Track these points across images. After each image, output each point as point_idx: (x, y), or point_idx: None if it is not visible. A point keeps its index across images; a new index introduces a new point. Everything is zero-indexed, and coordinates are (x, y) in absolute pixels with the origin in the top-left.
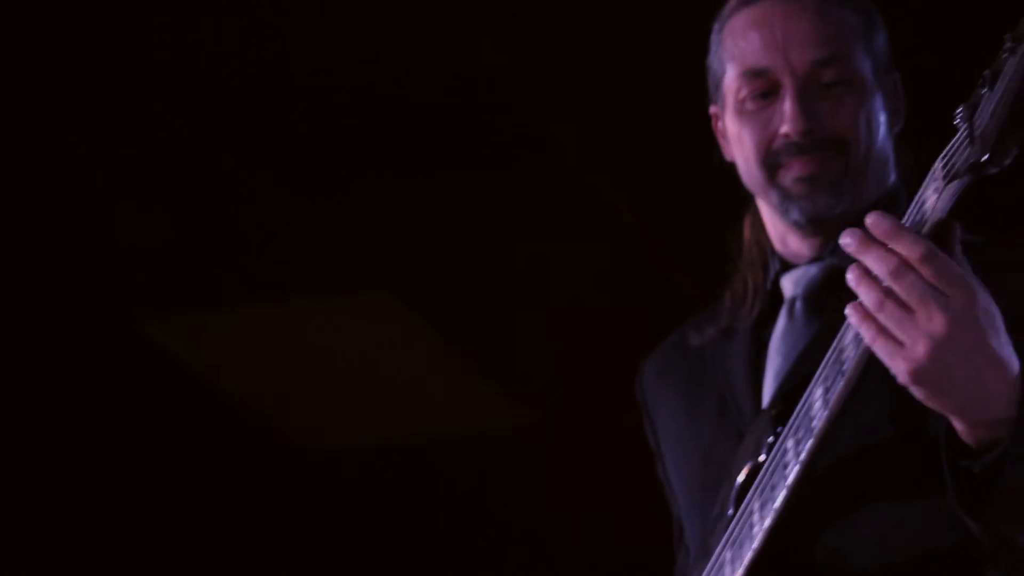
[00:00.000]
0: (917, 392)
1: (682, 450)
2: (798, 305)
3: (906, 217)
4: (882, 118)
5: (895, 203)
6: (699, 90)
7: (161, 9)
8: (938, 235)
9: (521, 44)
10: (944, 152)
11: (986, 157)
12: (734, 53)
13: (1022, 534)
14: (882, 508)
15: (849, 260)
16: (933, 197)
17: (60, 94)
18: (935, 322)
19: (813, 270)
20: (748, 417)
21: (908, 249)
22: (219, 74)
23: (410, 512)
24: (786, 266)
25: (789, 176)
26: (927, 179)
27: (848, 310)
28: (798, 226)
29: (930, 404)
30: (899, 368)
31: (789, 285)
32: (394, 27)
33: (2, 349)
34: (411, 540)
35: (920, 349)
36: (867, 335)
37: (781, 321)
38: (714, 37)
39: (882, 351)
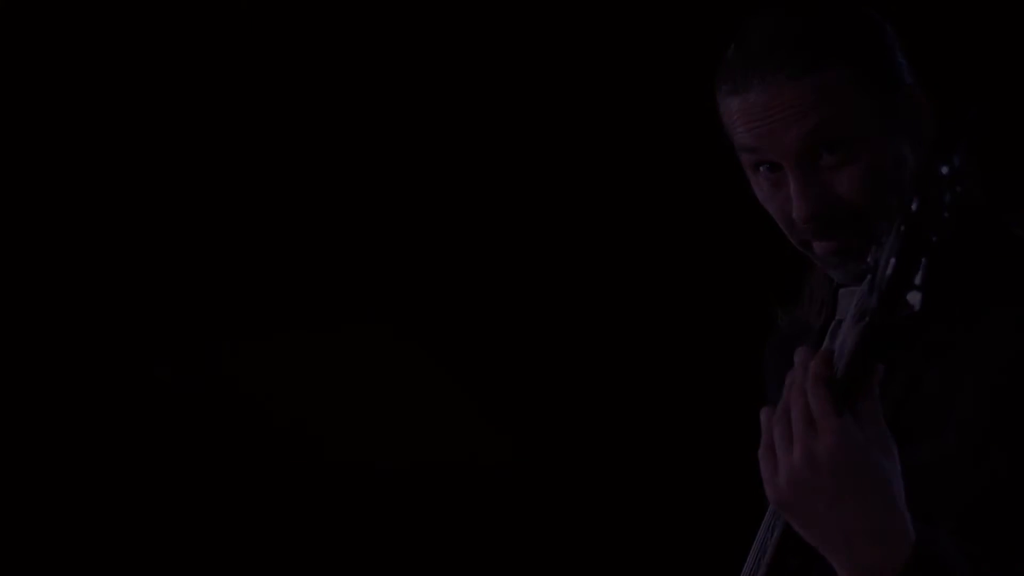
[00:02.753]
0: (786, 518)
1: None
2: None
3: (829, 333)
4: (903, 150)
5: None
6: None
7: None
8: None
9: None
10: (861, 288)
11: (875, 306)
12: (730, 130)
13: None
14: None
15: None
16: (849, 331)
17: (71, 147)
18: (794, 455)
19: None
20: None
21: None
22: (231, 107)
23: (406, 540)
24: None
25: (817, 250)
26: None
27: (762, 413)
28: None
29: (803, 536)
30: (767, 488)
31: (843, 302)
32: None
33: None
34: (406, 568)
35: (781, 477)
36: (763, 443)
37: (826, 341)
38: (717, 97)
39: (762, 466)
